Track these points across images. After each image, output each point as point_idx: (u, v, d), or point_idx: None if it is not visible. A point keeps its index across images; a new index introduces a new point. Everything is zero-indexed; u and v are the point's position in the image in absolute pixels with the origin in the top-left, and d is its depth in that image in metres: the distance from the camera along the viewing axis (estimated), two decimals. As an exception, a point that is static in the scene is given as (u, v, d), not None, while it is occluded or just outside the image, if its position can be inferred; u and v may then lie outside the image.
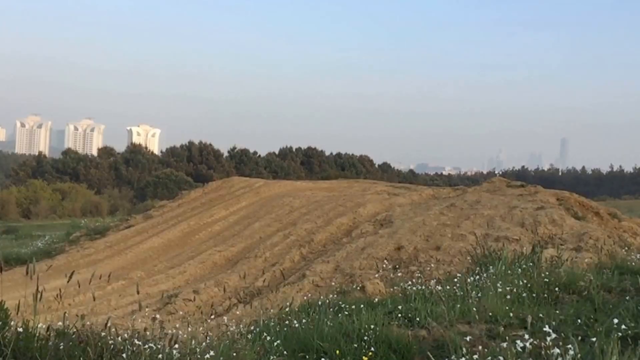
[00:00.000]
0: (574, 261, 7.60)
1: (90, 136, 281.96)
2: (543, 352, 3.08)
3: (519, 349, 3.12)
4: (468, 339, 3.89)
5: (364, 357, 3.93)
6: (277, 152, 74.23)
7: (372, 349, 4.07)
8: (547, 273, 6.12)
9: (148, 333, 4.04)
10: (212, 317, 7.89)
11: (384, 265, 9.44)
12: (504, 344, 3.21)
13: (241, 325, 5.71)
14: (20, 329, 3.53)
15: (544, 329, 3.27)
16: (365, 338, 4.26)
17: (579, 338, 3.65)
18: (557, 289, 5.66)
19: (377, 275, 8.75)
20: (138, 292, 6.36)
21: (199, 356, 3.73)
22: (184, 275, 11.97)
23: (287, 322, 5.15)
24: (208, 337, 4.73)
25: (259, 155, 72.45)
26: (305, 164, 72.42)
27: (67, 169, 64.24)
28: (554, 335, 3.14)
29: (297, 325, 4.83)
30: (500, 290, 5.52)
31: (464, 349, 3.55)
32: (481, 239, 8.95)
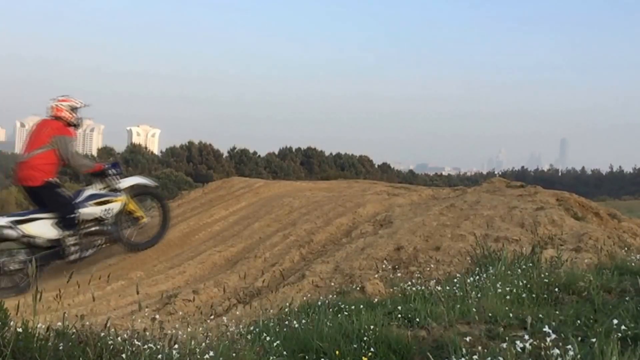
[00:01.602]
0: (574, 262, 7.58)
1: (90, 136, 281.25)
2: (543, 353, 3.08)
3: (519, 350, 3.12)
4: (468, 339, 3.89)
5: (363, 358, 3.93)
6: (276, 153, 74.22)
7: (372, 349, 4.07)
8: (546, 273, 6.11)
9: (147, 333, 4.04)
10: (212, 317, 7.89)
11: (384, 266, 9.43)
12: (504, 345, 3.21)
13: (241, 326, 5.71)
14: (20, 329, 3.53)
15: (544, 330, 3.27)
16: (365, 338, 4.25)
17: (579, 339, 3.64)
18: (556, 289, 5.65)
19: (376, 276, 8.73)
20: (138, 293, 6.37)
21: (198, 356, 3.73)
22: (184, 275, 11.95)
23: (286, 322, 5.14)
24: (207, 338, 4.72)
25: (259, 156, 72.40)
26: (304, 164, 72.40)
27: (66, 169, 64.21)
28: (553, 336, 3.14)
29: (296, 325, 4.82)
30: (500, 290, 5.51)
31: (464, 350, 3.55)
32: (481, 240, 8.94)
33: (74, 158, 7.58)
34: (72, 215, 7.06)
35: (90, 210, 7.60)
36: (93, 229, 7.13)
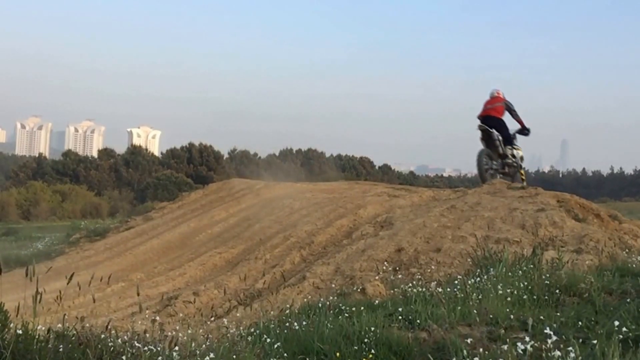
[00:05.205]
0: (575, 263, 7.57)
1: (91, 137, 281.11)
2: (544, 355, 3.07)
3: (520, 351, 3.11)
4: (469, 341, 3.88)
5: (364, 359, 3.93)
6: (277, 154, 74.19)
7: (373, 351, 4.06)
8: (547, 275, 6.10)
9: (148, 335, 4.04)
10: (212, 319, 7.89)
11: (384, 267, 9.42)
12: (505, 346, 3.20)
13: (241, 328, 5.70)
14: (20, 331, 3.52)
15: (545, 331, 3.26)
16: (366, 340, 4.25)
17: (580, 340, 3.64)
18: (557, 291, 5.64)
19: (377, 277, 8.72)
20: (138, 294, 6.34)
21: (198, 358, 3.73)
22: (184, 277, 11.97)
23: (287, 324, 5.13)
24: (208, 339, 4.71)
25: (259, 157, 72.40)
26: (305, 165, 72.37)
27: (67, 170, 64.21)
28: (554, 338, 3.13)
29: (297, 327, 4.81)
30: (500, 292, 5.51)
31: (465, 351, 3.54)
32: (482, 241, 8.93)
33: (515, 112, 12.90)
34: (508, 135, 12.32)
35: (508, 150, 12.65)
36: (508, 161, 11.98)
